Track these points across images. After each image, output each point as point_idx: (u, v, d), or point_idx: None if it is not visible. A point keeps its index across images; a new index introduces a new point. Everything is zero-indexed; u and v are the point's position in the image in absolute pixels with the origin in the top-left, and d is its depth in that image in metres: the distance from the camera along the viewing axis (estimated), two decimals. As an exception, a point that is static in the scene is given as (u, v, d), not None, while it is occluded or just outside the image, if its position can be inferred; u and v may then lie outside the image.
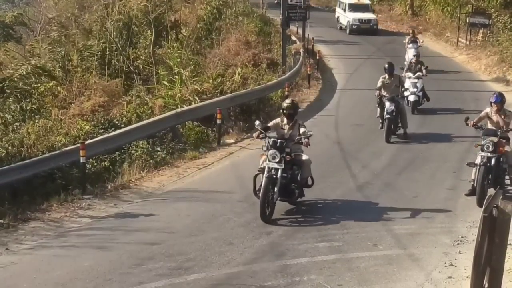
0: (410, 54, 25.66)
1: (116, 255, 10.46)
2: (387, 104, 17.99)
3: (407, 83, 20.73)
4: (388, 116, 17.88)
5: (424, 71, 21.47)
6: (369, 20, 39.09)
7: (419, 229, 11.58)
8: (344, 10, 39.90)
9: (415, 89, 21.11)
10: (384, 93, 18.39)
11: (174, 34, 29.19)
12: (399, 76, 19.06)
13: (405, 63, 25.13)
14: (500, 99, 13.15)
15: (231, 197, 13.32)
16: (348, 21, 39.26)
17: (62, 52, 27.51)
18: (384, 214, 12.30)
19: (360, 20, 39.00)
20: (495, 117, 13.19)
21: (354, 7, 39.36)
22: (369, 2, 40.89)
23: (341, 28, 40.25)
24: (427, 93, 21.56)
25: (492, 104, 13.20)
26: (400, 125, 18.24)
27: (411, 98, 21.08)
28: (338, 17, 41.18)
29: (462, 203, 12.89)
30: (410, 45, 27.20)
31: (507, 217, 6.18)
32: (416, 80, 21.17)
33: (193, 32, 28.55)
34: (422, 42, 28.76)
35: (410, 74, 21.41)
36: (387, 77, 18.48)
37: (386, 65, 18.76)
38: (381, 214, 12.31)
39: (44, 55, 29.77)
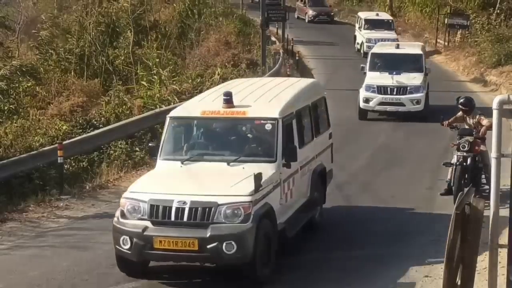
0: None
1: (93, 255, 10.43)
2: None
3: None
4: None
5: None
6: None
7: (397, 228, 11.65)
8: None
9: None
10: None
11: (154, 34, 29.11)
12: None
13: None
14: (459, 103, 13.24)
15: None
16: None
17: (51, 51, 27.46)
18: (362, 214, 12.37)
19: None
20: (468, 120, 13.31)
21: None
22: None
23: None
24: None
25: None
26: None
27: None
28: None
29: (440, 202, 12.96)
30: None
31: (479, 215, 6.22)
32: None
33: (172, 32, 28.47)
34: None
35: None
36: None
37: None
38: (359, 214, 12.37)
39: (22, 55, 29.52)
